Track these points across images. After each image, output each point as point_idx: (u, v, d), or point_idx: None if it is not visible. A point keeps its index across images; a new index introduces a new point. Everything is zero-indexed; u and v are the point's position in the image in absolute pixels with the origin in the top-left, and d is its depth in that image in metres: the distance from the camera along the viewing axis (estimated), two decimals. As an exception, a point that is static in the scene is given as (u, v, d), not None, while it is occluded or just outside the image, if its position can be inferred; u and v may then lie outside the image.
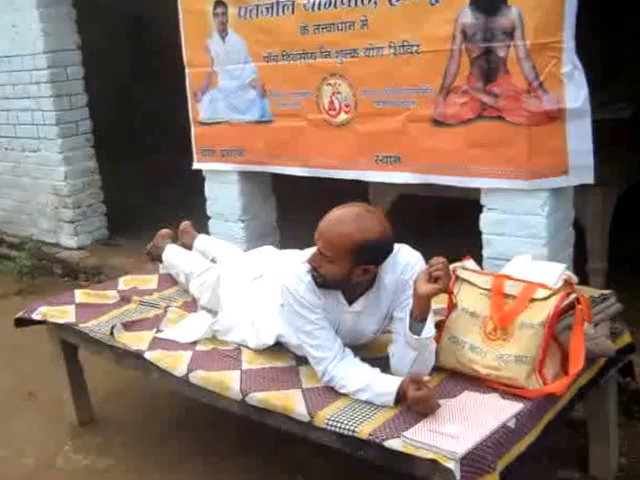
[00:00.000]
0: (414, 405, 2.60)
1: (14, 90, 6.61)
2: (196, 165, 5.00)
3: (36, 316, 3.89)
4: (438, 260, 2.66)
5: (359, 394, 2.75)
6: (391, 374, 2.80)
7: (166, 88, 6.44)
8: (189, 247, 4.34)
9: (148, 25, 8.72)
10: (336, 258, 2.75)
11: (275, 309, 3.16)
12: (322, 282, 2.85)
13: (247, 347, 3.31)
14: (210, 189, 5.00)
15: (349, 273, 2.79)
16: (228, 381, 3.02)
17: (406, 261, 2.89)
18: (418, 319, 2.70)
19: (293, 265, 3.01)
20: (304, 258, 2.94)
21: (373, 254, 2.79)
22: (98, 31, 7.48)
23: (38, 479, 3.71)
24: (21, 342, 4.76)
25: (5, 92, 6.71)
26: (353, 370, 2.81)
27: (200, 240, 4.38)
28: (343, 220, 2.76)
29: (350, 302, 2.93)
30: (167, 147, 7.72)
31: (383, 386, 2.71)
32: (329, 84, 4.05)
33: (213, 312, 3.65)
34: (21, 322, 3.99)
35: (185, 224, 4.48)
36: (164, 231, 4.43)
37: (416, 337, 2.69)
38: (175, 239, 4.43)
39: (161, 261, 4.34)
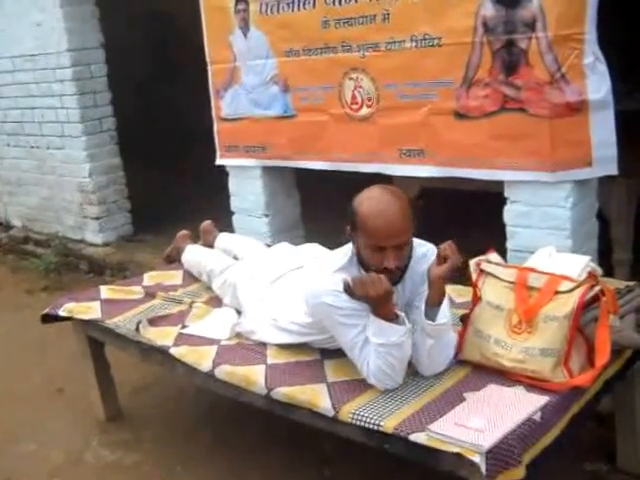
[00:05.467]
0: (361, 292, 2.67)
1: (38, 88, 6.65)
2: (219, 161, 5.02)
3: (62, 312, 3.91)
4: (445, 243, 2.70)
5: (375, 344, 2.74)
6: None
7: (190, 85, 6.45)
8: (210, 246, 4.32)
9: (170, 22, 8.76)
10: (411, 233, 2.76)
11: (298, 308, 3.11)
12: (399, 278, 2.82)
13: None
14: (234, 185, 5.02)
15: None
16: (253, 376, 3.03)
17: (423, 253, 2.91)
18: (434, 304, 2.72)
19: (318, 280, 2.93)
20: (330, 268, 2.90)
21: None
22: (120, 29, 7.50)
23: (66, 474, 3.74)
24: (49, 337, 4.80)
25: (30, 90, 6.75)
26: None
27: (221, 238, 4.36)
28: (390, 201, 2.70)
29: None
30: (192, 144, 7.74)
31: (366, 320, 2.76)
32: (351, 78, 4.05)
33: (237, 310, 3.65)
34: (47, 318, 4.00)
35: (206, 223, 4.46)
36: (183, 233, 4.43)
37: (430, 323, 2.71)
38: (194, 240, 4.42)
39: (181, 263, 4.33)
